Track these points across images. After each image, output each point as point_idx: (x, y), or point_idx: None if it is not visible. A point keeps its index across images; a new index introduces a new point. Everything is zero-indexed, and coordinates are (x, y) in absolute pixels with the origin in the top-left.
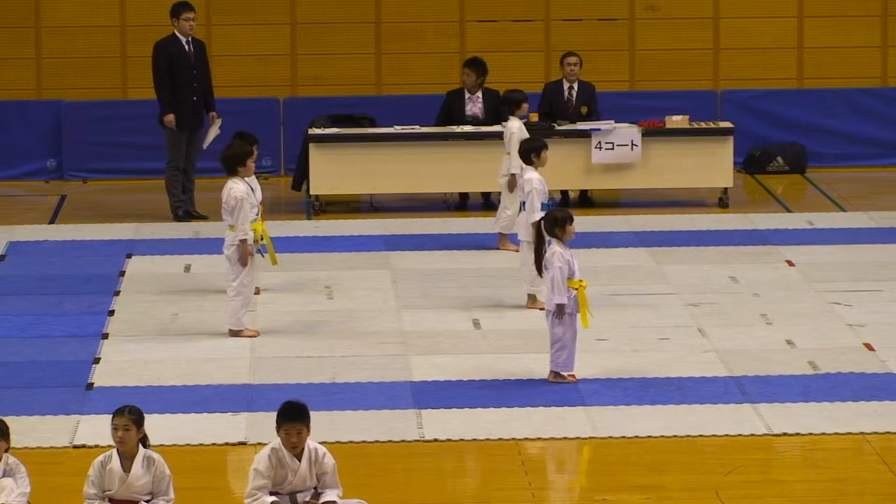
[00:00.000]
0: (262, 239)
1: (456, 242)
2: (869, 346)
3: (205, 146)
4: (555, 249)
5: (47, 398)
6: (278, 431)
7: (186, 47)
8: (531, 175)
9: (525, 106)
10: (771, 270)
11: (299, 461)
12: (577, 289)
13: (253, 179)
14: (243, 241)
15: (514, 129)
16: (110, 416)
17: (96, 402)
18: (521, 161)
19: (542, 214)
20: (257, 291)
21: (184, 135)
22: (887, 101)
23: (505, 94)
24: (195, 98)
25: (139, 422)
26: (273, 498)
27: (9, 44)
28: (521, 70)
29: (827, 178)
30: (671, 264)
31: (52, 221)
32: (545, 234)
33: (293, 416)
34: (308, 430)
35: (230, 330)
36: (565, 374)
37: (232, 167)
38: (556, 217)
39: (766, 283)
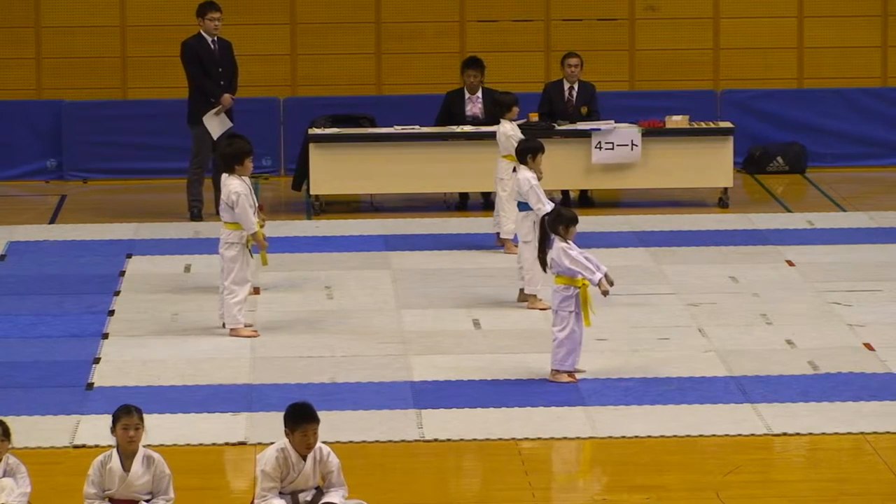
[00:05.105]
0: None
1: (456, 242)
2: (869, 346)
3: (216, 137)
4: (559, 245)
5: (47, 398)
6: (292, 433)
7: (212, 46)
8: (525, 174)
9: (515, 109)
10: (771, 270)
11: (304, 461)
12: (579, 287)
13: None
14: (253, 235)
15: (508, 131)
16: (110, 416)
17: (96, 402)
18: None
19: (551, 206)
20: (257, 291)
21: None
22: (887, 101)
23: (496, 97)
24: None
25: (143, 420)
26: (282, 502)
27: (9, 44)
28: (521, 70)
29: (827, 178)
30: (671, 264)
31: (52, 221)
32: (548, 230)
33: (310, 417)
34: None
35: (230, 329)
36: (565, 372)
37: (230, 165)
38: (563, 215)
39: (766, 283)
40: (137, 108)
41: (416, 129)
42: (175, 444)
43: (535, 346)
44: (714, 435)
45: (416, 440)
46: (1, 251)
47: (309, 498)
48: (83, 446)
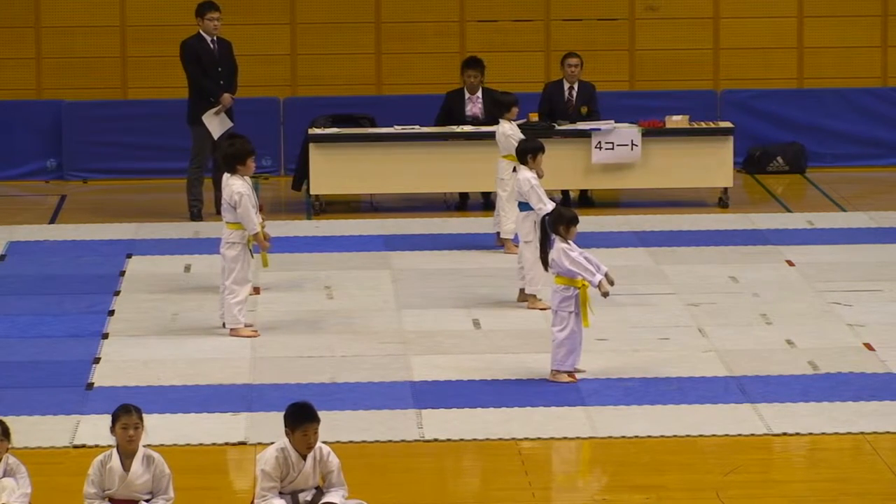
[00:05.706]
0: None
1: (456, 242)
2: (869, 346)
3: (216, 137)
4: (560, 246)
5: (47, 398)
6: (293, 433)
7: (212, 46)
8: (525, 174)
9: (515, 109)
10: (771, 270)
11: (304, 461)
12: (579, 288)
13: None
14: (255, 235)
15: (508, 131)
16: (110, 416)
17: (96, 402)
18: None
19: (553, 205)
20: (257, 291)
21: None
22: (887, 101)
23: (496, 97)
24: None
25: (142, 420)
26: (282, 502)
27: (9, 44)
28: (521, 70)
29: (827, 178)
30: (671, 264)
31: (52, 221)
32: (549, 230)
33: (310, 416)
34: None
35: (230, 329)
36: (565, 372)
37: (231, 165)
38: (564, 215)
39: (766, 283)
40: (137, 108)
41: (416, 129)
42: (175, 444)
43: (535, 346)
44: (714, 435)
45: (416, 440)
46: (1, 251)
47: (309, 498)
48: (83, 446)
